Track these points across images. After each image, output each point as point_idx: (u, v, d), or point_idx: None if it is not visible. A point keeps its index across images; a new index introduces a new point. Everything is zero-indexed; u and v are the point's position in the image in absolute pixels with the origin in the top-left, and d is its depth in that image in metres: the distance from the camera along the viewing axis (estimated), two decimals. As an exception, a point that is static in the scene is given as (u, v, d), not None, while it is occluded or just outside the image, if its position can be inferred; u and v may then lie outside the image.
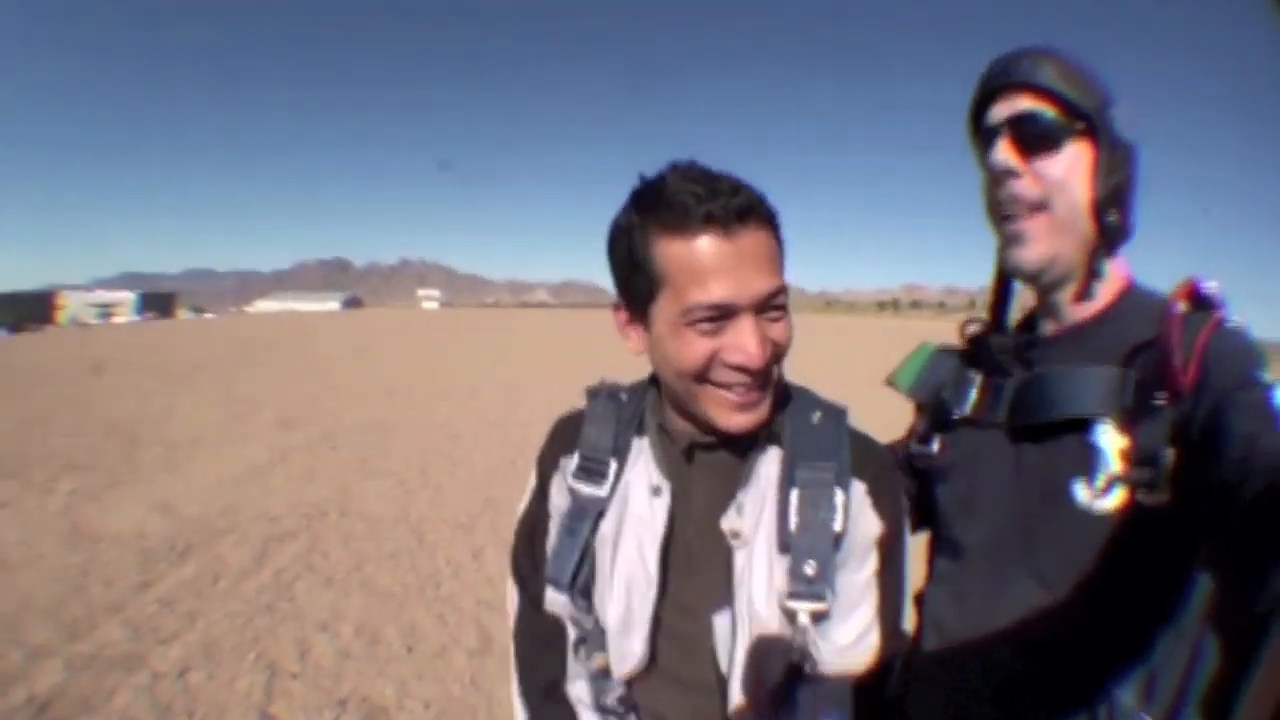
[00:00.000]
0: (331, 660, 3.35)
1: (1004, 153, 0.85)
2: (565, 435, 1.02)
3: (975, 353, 1.01)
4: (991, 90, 0.88)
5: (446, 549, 4.86)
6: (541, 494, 1.03)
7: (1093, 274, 0.87)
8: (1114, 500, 0.77)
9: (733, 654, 0.84)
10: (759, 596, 0.83)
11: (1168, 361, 0.75)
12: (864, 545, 0.87)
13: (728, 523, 0.87)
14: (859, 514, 0.87)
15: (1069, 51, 0.85)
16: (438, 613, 3.89)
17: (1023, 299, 1.01)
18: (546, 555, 0.96)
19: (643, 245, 0.81)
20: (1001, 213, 0.88)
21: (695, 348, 0.79)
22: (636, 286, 0.83)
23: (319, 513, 5.58)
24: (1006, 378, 0.93)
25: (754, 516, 0.86)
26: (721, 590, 0.86)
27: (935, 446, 0.99)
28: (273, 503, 5.81)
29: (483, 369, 16.48)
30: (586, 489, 0.93)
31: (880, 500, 0.89)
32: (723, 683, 0.85)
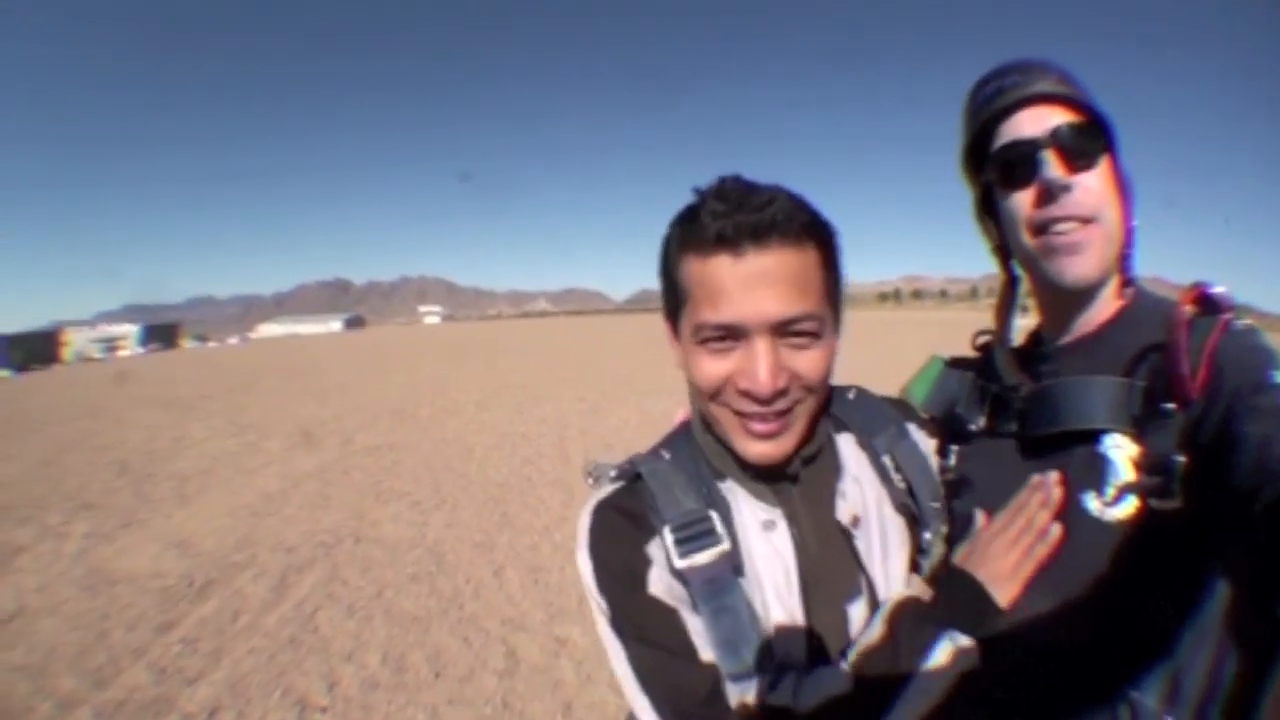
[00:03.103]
0: (359, 691, 3.34)
1: (1056, 167, 0.82)
2: (629, 522, 0.85)
3: (987, 364, 1.01)
4: (1009, 104, 0.85)
5: (466, 569, 4.84)
6: (632, 602, 0.83)
7: (1126, 284, 0.87)
8: (1126, 509, 0.77)
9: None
10: (894, 561, 0.88)
11: (1175, 368, 0.75)
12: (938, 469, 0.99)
13: (843, 513, 0.88)
14: (928, 448, 0.98)
15: (1061, 64, 0.85)
16: (462, 635, 3.87)
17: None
18: (700, 655, 0.81)
19: (673, 260, 0.82)
20: (1048, 228, 0.84)
21: (707, 368, 0.80)
22: (669, 300, 0.85)
23: (335, 539, 5.57)
24: (1018, 389, 0.93)
25: (860, 497, 0.89)
26: (852, 578, 0.87)
27: (953, 460, 0.99)
28: (288, 532, 5.80)
29: (487, 382, 16.48)
30: (703, 557, 0.81)
31: (931, 431, 1.01)
32: None
